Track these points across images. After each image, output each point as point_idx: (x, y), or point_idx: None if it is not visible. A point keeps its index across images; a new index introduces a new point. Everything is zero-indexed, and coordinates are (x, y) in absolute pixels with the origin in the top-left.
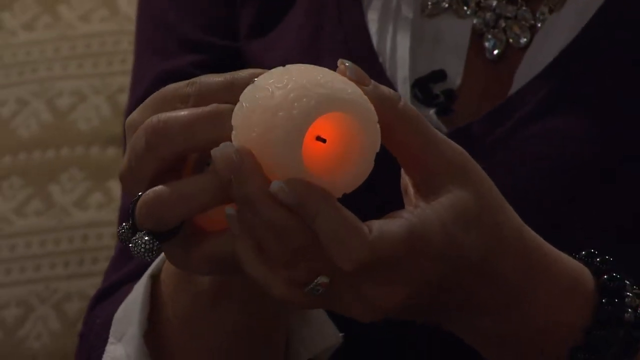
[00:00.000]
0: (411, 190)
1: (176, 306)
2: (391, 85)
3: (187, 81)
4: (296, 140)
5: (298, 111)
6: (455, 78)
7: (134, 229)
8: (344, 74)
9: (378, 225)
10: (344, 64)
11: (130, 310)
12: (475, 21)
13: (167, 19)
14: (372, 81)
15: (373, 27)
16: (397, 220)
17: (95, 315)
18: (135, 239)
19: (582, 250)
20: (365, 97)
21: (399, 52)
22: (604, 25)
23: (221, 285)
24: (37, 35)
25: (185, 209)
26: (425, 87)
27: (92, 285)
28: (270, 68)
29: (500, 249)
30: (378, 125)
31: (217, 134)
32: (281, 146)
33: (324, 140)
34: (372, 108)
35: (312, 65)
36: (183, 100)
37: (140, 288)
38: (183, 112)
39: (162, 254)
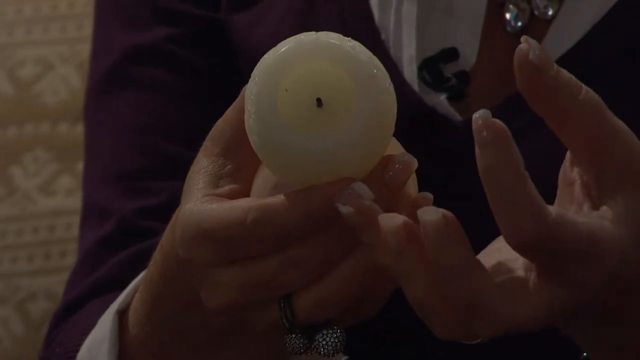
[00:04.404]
0: (578, 187)
1: (155, 349)
2: (395, 66)
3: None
4: (273, 90)
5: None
6: (470, 57)
7: (306, 331)
8: (525, 55)
9: (557, 210)
10: (527, 41)
11: (97, 351)
12: None
13: None
14: (556, 66)
15: None
16: (576, 216)
17: (56, 339)
18: (320, 341)
19: None
20: (372, 58)
21: (404, 27)
22: None
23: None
24: None
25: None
26: (435, 68)
27: (59, 282)
28: (257, 45)
29: None
30: (390, 95)
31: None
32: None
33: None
34: (382, 74)
35: None
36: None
37: (106, 326)
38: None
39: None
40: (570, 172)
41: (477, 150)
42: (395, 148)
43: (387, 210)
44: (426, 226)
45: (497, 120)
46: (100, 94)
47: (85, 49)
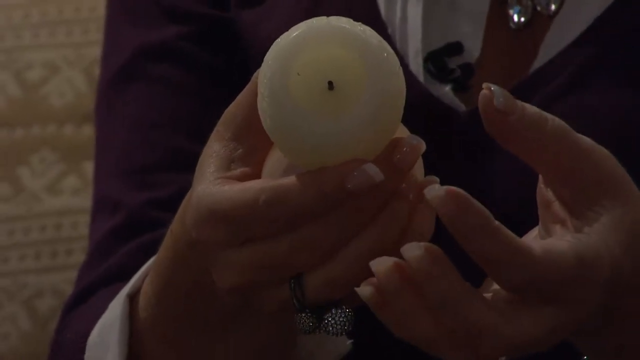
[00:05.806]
0: (557, 206)
1: (165, 331)
2: (401, 59)
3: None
4: (284, 70)
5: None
6: (473, 50)
7: (316, 311)
8: (490, 102)
9: (541, 245)
10: (489, 88)
11: (107, 334)
12: None
13: None
14: (519, 106)
15: None
16: (561, 242)
17: (67, 327)
18: (329, 321)
19: None
20: (382, 41)
21: (409, 21)
22: None
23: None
24: (4, 0)
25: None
26: (440, 60)
27: (66, 279)
28: (264, 40)
29: None
30: (400, 78)
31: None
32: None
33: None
34: (392, 58)
35: None
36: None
37: (117, 310)
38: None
39: (139, 274)
40: (546, 193)
41: (445, 222)
42: (402, 131)
43: (395, 192)
44: (411, 262)
45: (452, 188)
46: (111, 91)
47: (90, 52)
